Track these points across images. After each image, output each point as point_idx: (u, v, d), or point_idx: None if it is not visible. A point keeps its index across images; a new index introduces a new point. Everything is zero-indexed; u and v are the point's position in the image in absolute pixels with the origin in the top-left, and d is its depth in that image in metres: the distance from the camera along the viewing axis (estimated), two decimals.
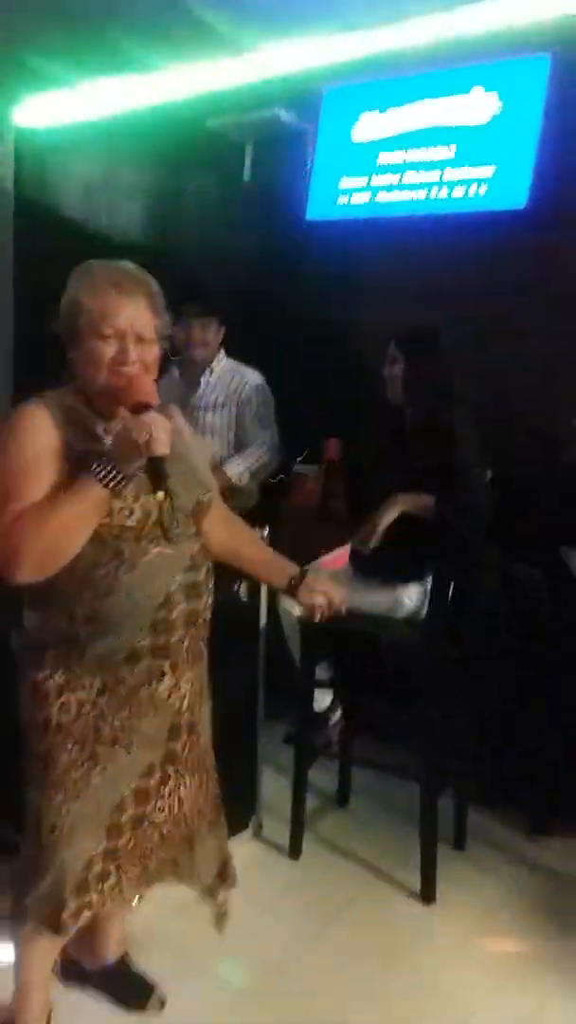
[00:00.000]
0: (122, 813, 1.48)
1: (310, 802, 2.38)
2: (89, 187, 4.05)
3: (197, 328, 2.74)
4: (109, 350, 1.39)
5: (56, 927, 1.46)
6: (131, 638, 1.42)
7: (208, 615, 1.54)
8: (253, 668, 2.35)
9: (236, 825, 2.32)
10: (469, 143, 2.93)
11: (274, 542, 2.30)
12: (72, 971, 1.78)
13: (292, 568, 1.69)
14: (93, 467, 1.32)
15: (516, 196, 2.79)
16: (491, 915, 2.10)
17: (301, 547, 2.80)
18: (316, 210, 3.27)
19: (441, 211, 2.97)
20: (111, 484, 1.32)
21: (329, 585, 1.68)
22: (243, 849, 2.32)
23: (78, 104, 3.78)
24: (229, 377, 2.81)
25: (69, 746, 1.44)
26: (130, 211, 3.91)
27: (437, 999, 1.81)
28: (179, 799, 1.55)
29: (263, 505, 2.80)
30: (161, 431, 1.33)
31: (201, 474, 1.57)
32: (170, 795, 1.54)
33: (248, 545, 1.72)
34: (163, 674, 1.46)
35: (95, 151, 3.98)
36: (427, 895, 2.13)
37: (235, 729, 2.26)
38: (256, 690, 2.36)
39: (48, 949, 1.57)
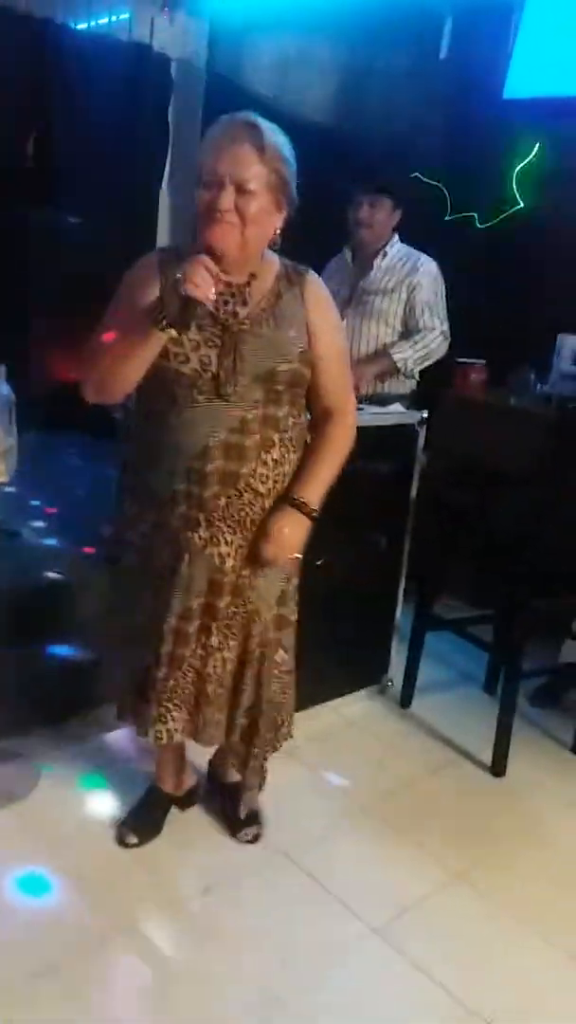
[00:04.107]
0: (162, 645, 1.59)
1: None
2: (283, 64, 4.04)
3: (366, 207, 2.69)
4: (207, 196, 1.41)
5: (121, 716, 1.76)
6: (170, 480, 1.53)
7: (261, 485, 1.53)
8: (400, 547, 2.49)
9: (370, 681, 2.58)
10: None
11: (431, 428, 2.41)
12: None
13: (306, 495, 1.58)
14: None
15: None
16: None
17: (462, 436, 2.88)
18: (515, 88, 3.12)
19: None
20: (154, 321, 1.35)
21: (294, 542, 1.59)
22: (373, 700, 2.57)
23: None
24: (402, 262, 2.76)
25: (137, 567, 1.64)
26: (323, 88, 3.88)
27: (545, 841, 2.02)
28: (223, 659, 1.63)
29: (425, 392, 2.86)
30: (198, 275, 1.31)
31: (289, 346, 1.51)
32: (209, 650, 1.61)
33: (316, 447, 1.62)
34: (198, 524, 1.54)
35: (289, 28, 3.94)
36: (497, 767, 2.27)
37: (376, 599, 2.48)
38: (400, 567, 2.51)
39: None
